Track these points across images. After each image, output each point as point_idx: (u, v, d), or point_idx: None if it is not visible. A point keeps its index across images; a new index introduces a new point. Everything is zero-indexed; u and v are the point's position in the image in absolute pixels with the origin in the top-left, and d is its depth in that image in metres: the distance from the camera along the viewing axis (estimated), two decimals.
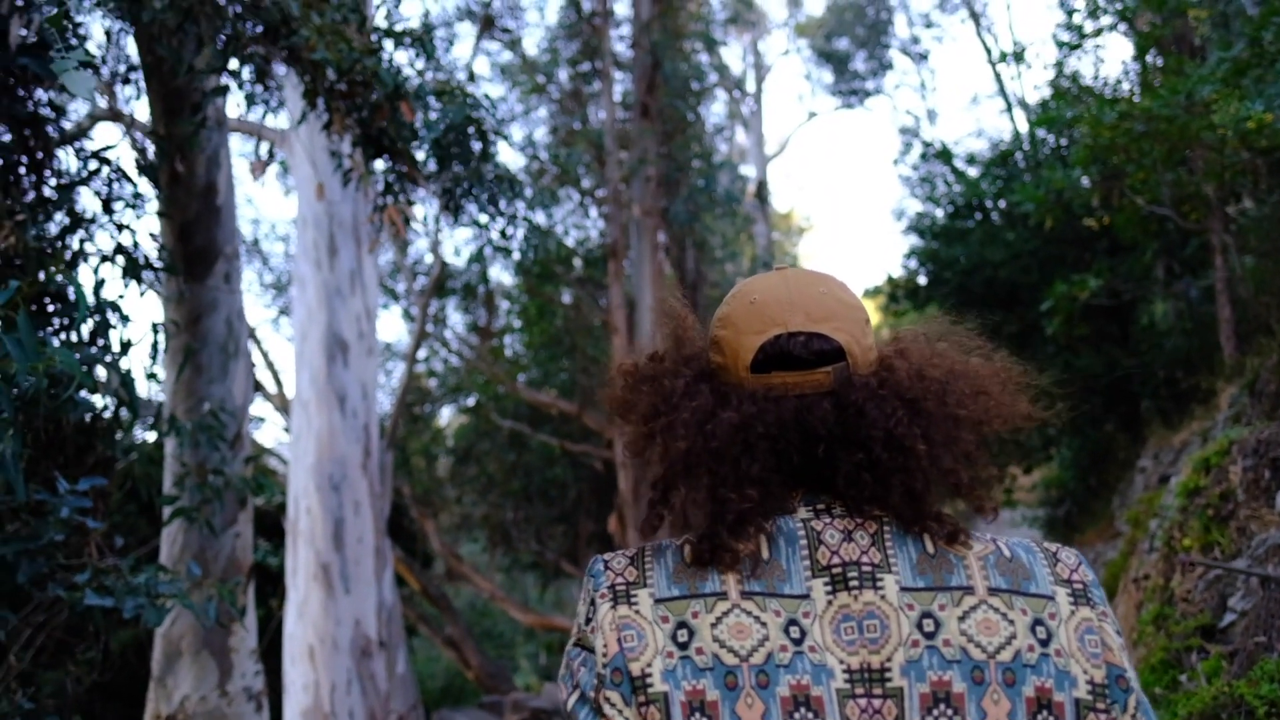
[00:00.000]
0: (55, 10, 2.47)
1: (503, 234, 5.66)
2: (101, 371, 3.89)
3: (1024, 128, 16.86)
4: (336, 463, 9.36)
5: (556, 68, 15.92)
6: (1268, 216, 8.89)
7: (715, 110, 24.59)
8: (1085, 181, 9.48)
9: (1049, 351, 12.31)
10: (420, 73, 4.56)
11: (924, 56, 22.51)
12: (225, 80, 4.21)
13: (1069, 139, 11.54)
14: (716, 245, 15.97)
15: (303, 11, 3.89)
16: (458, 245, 12.66)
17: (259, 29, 3.87)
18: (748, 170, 29.18)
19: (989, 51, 21.36)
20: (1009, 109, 19.82)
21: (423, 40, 4.21)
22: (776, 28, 30.42)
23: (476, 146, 4.39)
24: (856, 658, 1.15)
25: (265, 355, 15.65)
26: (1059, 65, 11.58)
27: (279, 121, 9.60)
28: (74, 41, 3.48)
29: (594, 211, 16.59)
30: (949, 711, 1.13)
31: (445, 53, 14.22)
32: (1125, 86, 11.32)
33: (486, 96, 4.39)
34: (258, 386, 14.87)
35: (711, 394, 1.28)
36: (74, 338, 4.04)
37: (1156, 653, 5.26)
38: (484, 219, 4.99)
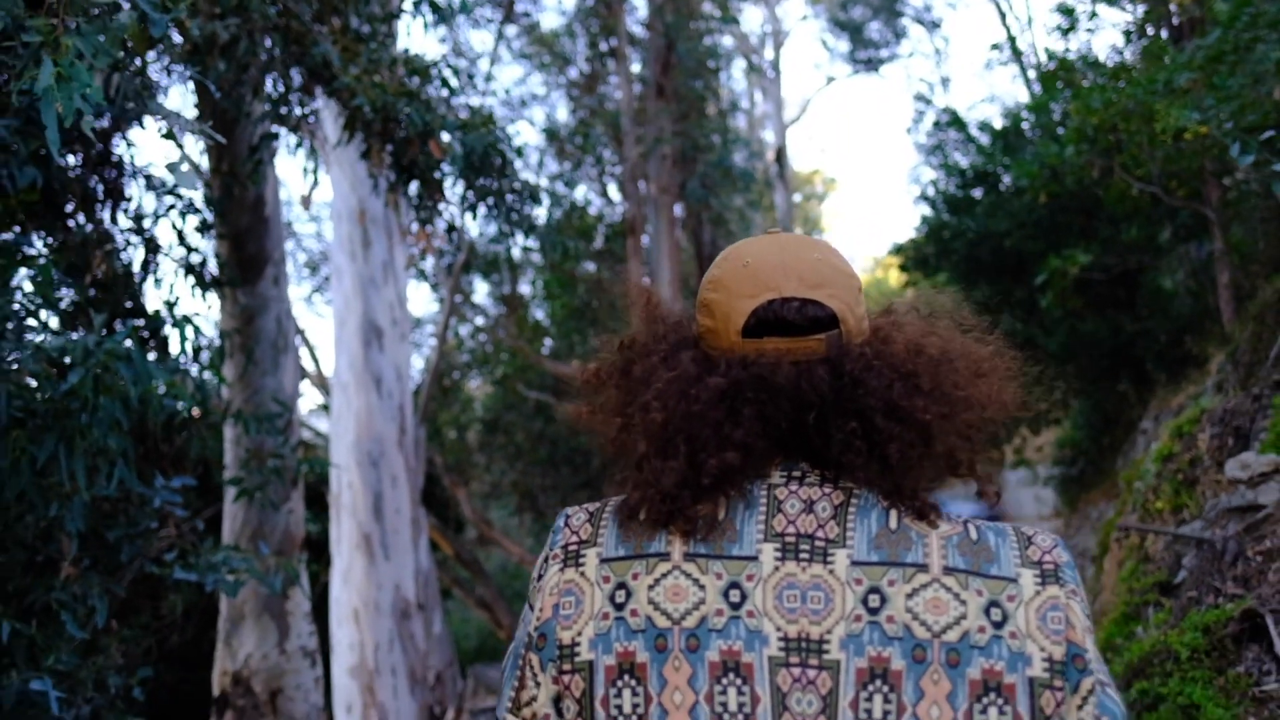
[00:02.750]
0: (165, 129, 3.06)
1: (525, 234, 6.22)
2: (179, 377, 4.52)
3: (1033, 93, 17.07)
4: (374, 440, 10.05)
5: (574, 49, 16.36)
6: (1254, 192, 9.22)
7: (735, 78, 24.92)
8: (1077, 158, 9.77)
9: (1055, 316, 12.61)
10: (447, 99, 5.13)
11: (936, 24, 22.79)
12: (275, 129, 4.82)
13: (1064, 115, 11.84)
14: (733, 220, 16.43)
15: (342, 59, 4.47)
16: (482, 227, 13.11)
17: (303, 76, 4.46)
18: (767, 136, 29.48)
19: (1003, 16, 21.54)
20: (1023, 74, 20.08)
21: (444, 79, 4.78)
22: None
23: (499, 168, 4.96)
24: (795, 626, 1.13)
25: (302, 333, 16.32)
26: (1048, 53, 11.88)
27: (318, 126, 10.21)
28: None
29: (613, 186, 17.07)
30: (884, 688, 1.10)
31: (466, 39, 14.73)
32: (1124, 56, 11.61)
33: (504, 129, 4.94)
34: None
35: (693, 361, 1.26)
36: (148, 339, 4.68)
37: (1119, 606, 5.81)
38: (505, 229, 5.57)
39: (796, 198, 42.47)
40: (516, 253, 16.04)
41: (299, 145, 4.97)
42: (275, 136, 4.84)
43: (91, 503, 3.74)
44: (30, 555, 3.78)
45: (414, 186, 4.81)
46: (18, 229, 4.32)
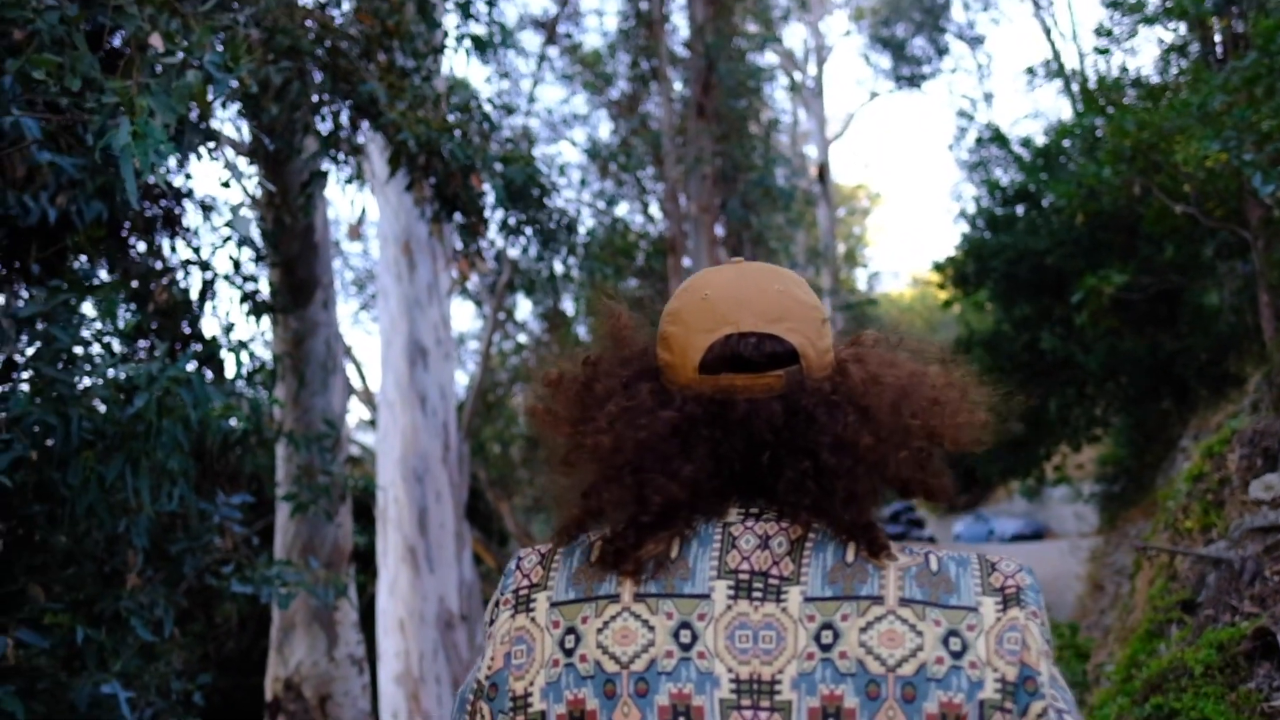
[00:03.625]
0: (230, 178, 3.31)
1: (564, 258, 6.45)
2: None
3: (1077, 110, 17.04)
4: (419, 456, 10.34)
5: (615, 70, 16.63)
6: None
7: (777, 95, 25.07)
8: (1114, 178, 9.79)
9: (1095, 334, 12.58)
10: (487, 135, 5.38)
11: (979, 40, 22.82)
12: (326, 165, 5.11)
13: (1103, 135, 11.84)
14: (773, 237, 16.59)
15: (388, 95, 4.72)
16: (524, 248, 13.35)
17: (351, 113, 4.73)
18: (809, 151, 29.61)
19: (1047, 32, 21.55)
20: (1067, 89, 20.03)
21: (487, 116, 5.04)
22: (838, 7, 30.75)
23: (537, 198, 5.20)
24: (747, 668, 1.11)
25: (349, 351, 16.71)
26: (1081, 76, 11.92)
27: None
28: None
29: (654, 205, 17.30)
30: None
31: (510, 60, 15.06)
32: (1164, 76, 11.59)
33: (541, 163, 5.18)
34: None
35: (650, 394, 1.23)
36: (205, 363, 4.96)
37: (1143, 623, 5.90)
38: (543, 255, 5.81)
39: (841, 211, 42.45)
40: (559, 268, 16.30)
41: (349, 181, 5.24)
42: (325, 174, 5.12)
43: (155, 518, 4.00)
44: (99, 567, 4.05)
45: (456, 217, 5.05)
46: (85, 259, 4.61)
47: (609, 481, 1.20)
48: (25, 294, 4.11)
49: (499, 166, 4.99)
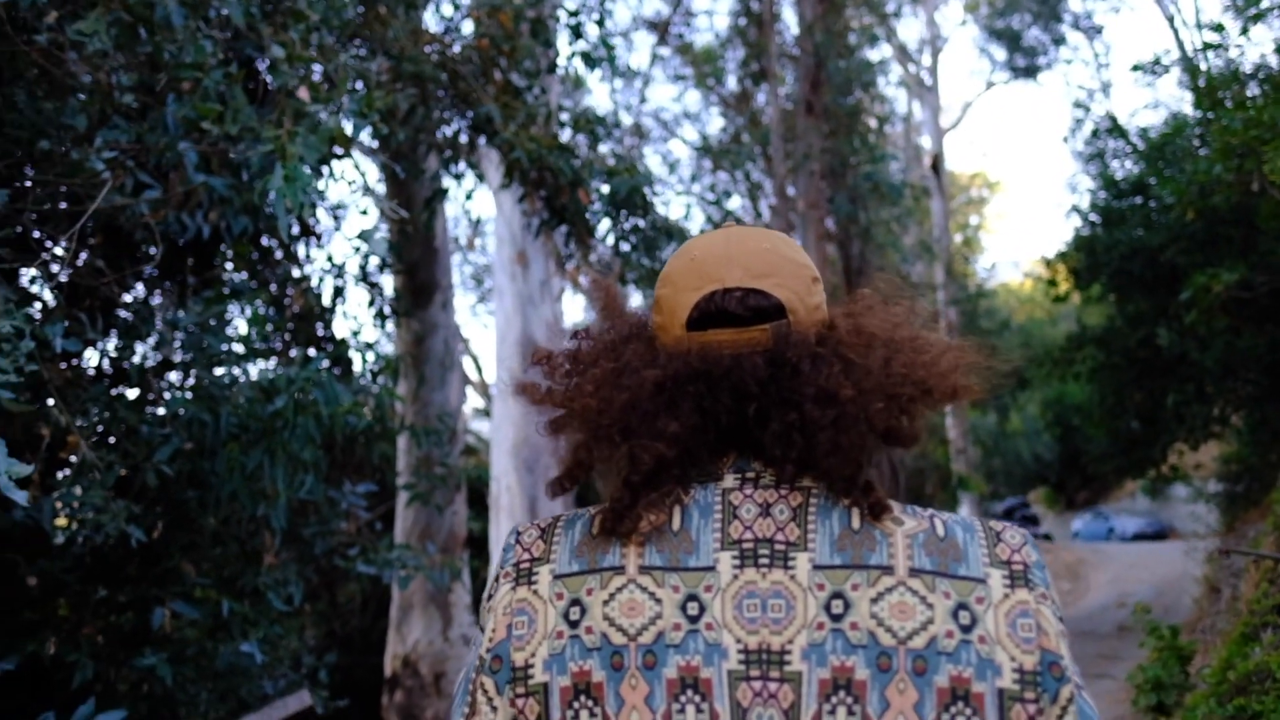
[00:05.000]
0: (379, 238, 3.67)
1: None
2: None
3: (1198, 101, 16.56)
4: (531, 447, 10.75)
5: (725, 68, 16.85)
6: None
7: (889, 88, 24.90)
8: (1226, 175, 9.57)
9: (1212, 331, 12.28)
10: (594, 146, 5.71)
11: (1097, 30, 22.28)
12: (446, 182, 5.52)
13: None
14: (881, 233, 16.61)
15: (503, 115, 5.08)
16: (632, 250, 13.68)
17: (469, 131, 5.11)
18: (924, 142, 29.29)
19: (1170, 20, 20.93)
20: (1192, 79, 19.35)
21: (594, 129, 5.36)
22: None
23: (641, 207, 5.51)
24: (756, 638, 1.10)
25: (466, 342, 17.34)
26: (1194, 68, 11.65)
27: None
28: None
29: (762, 201, 17.47)
30: (849, 699, 1.07)
31: (624, 59, 15.41)
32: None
33: (645, 167, 5.47)
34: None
35: (635, 355, 1.24)
36: (335, 363, 5.40)
37: (1240, 627, 5.90)
38: (647, 262, 6.11)
39: (961, 199, 41.74)
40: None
41: (468, 197, 5.62)
42: (445, 191, 5.51)
43: (290, 504, 4.43)
44: (241, 546, 4.51)
45: (563, 227, 5.39)
46: (232, 268, 5.08)
47: (598, 441, 1.21)
48: (182, 302, 4.57)
49: (605, 179, 5.31)
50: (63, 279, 4.03)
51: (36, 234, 3.91)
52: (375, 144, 5.37)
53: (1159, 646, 7.22)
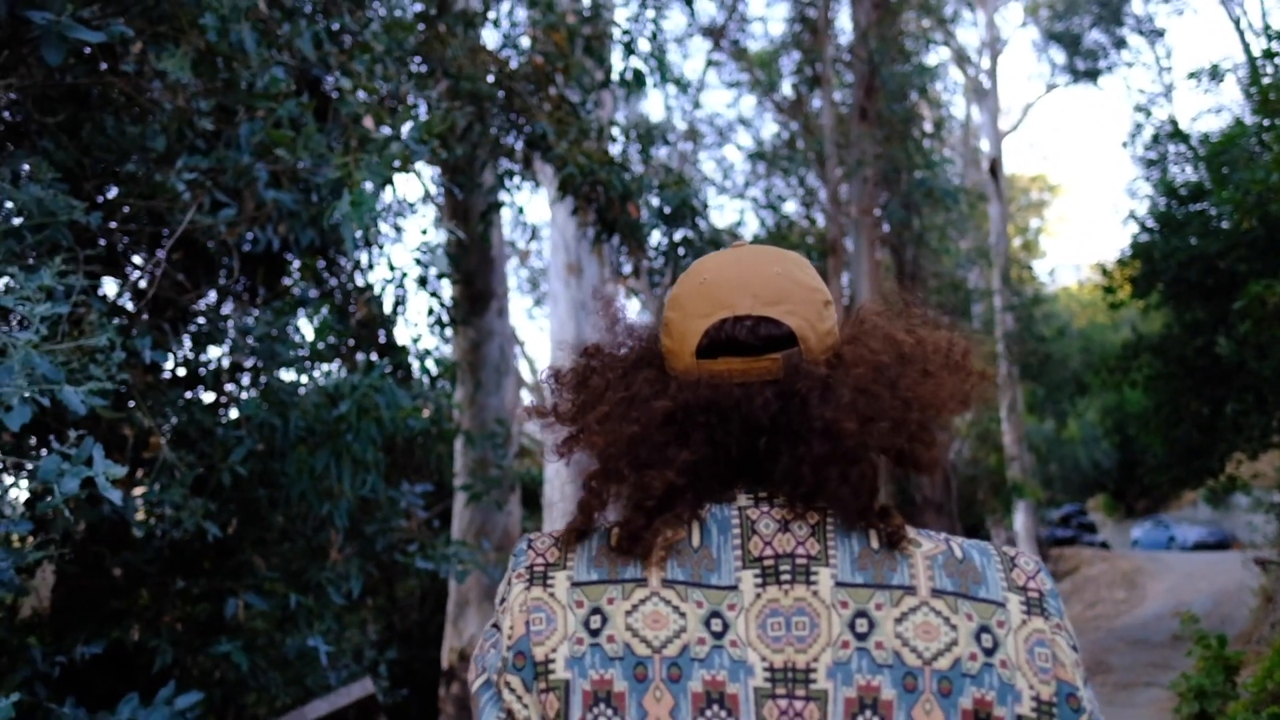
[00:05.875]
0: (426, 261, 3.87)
1: None
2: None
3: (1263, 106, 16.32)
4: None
5: (779, 75, 16.97)
6: None
7: (948, 91, 24.81)
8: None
9: (1271, 339, 12.15)
10: (646, 158, 5.91)
11: (1159, 34, 22.00)
12: (501, 197, 5.76)
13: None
14: (934, 238, 16.61)
15: (556, 132, 5.30)
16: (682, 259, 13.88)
17: (524, 147, 5.35)
18: (983, 145, 29.10)
19: (1236, 22, 20.64)
20: (1257, 82, 19.06)
21: (644, 142, 5.57)
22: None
23: (690, 219, 5.70)
24: (781, 655, 1.09)
25: (521, 345, 17.64)
26: (1255, 76, 11.54)
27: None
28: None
29: (816, 207, 17.56)
30: (874, 719, 1.06)
31: (679, 65, 15.60)
32: None
33: (696, 186, 5.66)
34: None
35: (646, 382, 1.22)
36: (395, 369, 5.65)
37: None
38: None
39: (1022, 201, 41.31)
40: None
41: (521, 211, 5.84)
42: (501, 204, 5.75)
43: (354, 502, 4.68)
44: (308, 542, 4.76)
45: (616, 239, 5.59)
46: (299, 278, 5.35)
47: (607, 477, 1.20)
48: (254, 312, 4.84)
49: (655, 191, 5.51)
50: (145, 290, 4.31)
51: (120, 248, 4.20)
52: (434, 166, 5.64)
53: (1205, 656, 7.25)
